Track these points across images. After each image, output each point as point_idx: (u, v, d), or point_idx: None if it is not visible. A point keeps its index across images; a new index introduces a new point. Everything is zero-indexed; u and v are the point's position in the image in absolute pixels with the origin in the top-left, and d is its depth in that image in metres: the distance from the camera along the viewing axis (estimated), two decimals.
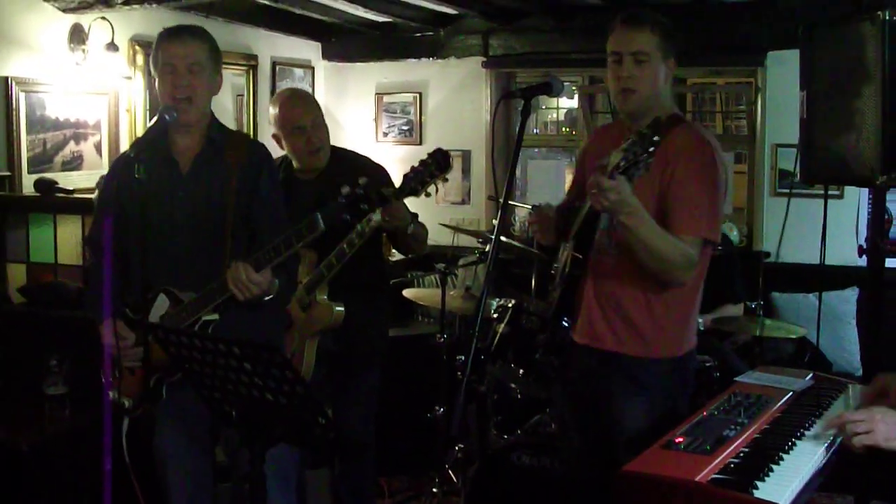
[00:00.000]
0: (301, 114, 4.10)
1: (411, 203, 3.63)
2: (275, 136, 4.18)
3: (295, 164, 4.17)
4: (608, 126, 3.70)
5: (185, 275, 3.30)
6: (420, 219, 4.12)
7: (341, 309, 3.93)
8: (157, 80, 3.32)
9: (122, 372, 3.26)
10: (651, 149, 2.72)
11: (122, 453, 3.25)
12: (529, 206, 6.41)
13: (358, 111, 7.74)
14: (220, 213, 3.28)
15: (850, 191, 5.97)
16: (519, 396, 4.68)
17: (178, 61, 3.24)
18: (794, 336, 5.11)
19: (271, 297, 3.22)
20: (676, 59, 3.26)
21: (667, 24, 3.23)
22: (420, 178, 3.13)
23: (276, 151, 4.30)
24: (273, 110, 4.17)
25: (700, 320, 4.93)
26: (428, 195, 3.22)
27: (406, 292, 5.57)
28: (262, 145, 3.53)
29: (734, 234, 6.46)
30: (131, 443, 3.31)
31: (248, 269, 3.09)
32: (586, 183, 3.01)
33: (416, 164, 3.15)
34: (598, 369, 3.30)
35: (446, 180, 3.19)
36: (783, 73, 6.35)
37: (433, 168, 3.11)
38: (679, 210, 3.08)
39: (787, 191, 5.49)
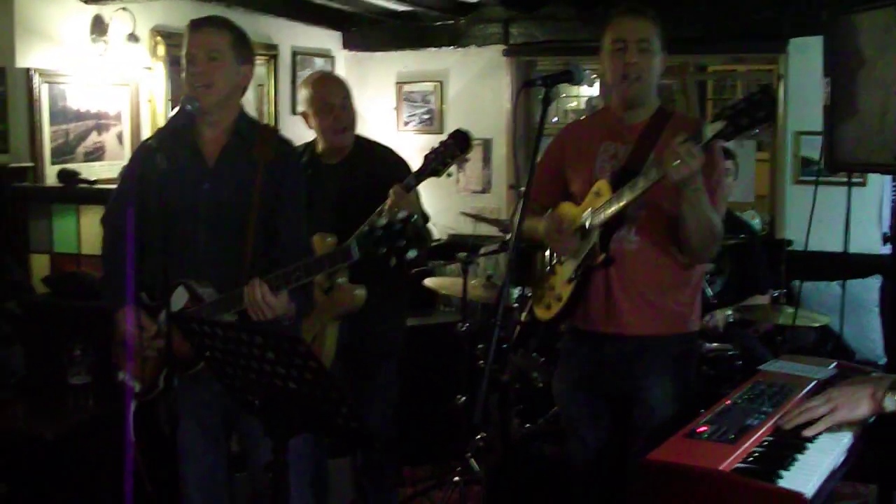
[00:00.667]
0: (332, 92, 4.15)
1: (433, 189, 3.63)
2: (303, 114, 4.20)
3: (320, 145, 4.19)
4: (589, 118, 3.76)
5: (205, 267, 3.30)
6: (441, 207, 4.12)
7: (363, 291, 3.93)
8: (182, 74, 3.33)
9: (136, 356, 3.26)
10: (762, 115, 2.80)
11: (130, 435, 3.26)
12: None
13: (379, 100, 7.74)
14: (244, 208, 3.27)
15: (874, 178, 5.93)
16: (541, 385, 4.67)
17: (198, 50, 3.25)
18: (817, 324, 5.08)
19: (288, 323, 3.23)
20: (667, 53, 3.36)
21: (660, 20, 3.32)
22: (441, 159, 3.13)
23: (305, 135, 4.33)
24: (304, 90, 4.21)
25: (729, 312, 4.93)
26: (449, 175, 3.22)
27: (427, 281, 5.57)
28: (290, 143, 3.52)
29: (756, 222, 6.43)
30: (140, 426, 3.32)
31: (264, 290, 3.08)
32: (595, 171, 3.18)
33: (436, 146, 3.16)
34: (626, 356, 3.34)
35: (467, 160, 3.19)
36: (805, 60, 6.32)
37: (454, 148, 3.11)
38: (706, 189, 3.12)
39: (813, 178, 5.46)
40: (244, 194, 3.28)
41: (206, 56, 3.24)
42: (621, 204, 3.14)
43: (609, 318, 3.34)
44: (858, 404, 2.50)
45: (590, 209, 3.27)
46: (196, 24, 3.31)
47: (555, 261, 3.48)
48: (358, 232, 3.10)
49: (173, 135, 3.14)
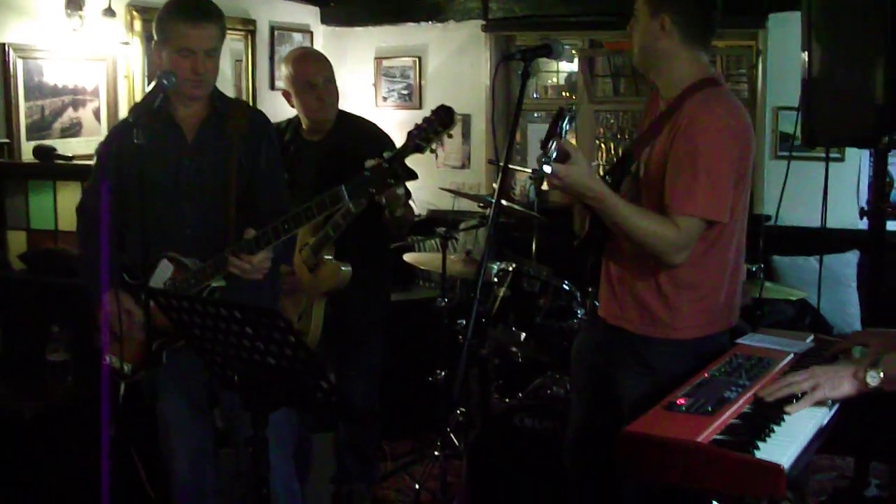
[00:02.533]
0: (314, 70, 4.14)
1: (413, 164, 3.63)
2: (284, 93, 4.19)
3: (304, 122, 4.18)
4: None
5: (188, 242, 3.32)
6: (420, 183, 4.11)
7: (348, 268, 3.94)
8: (164, 53, 3.28)
9: (123, 339, 3.27)
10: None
11: (118, 419, 3.26)
12: (529, 171, 6.43)
13: (357, 76, 7.71)
14: (224, 181, 3.30)
15: (852, 153, 5.96)
16: (520, 360, 4.69)
17: (198, 47, 3.23)
18: (794, 299, 5.11)
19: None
20: (679, 16, 3.10)
21: None
22: (424, 135, 3.12)
23: (284, 110, 4.31)
24: (285, 68, 4.19)
25: None
26: (432, 151, 3.21)
27: (407, 256, 5.57)
28: (262, 113, 3.55)
29: None
30: (128, 408, 3.32)
31: (241, 261, 3.14)
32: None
33: (419, 122, 3.15)
34: (608, 343, 3.30)
35: (451, 136, 3.18)
36: (784, 35, 6.33)
37: (437, 124, 3.11)
38: (671, 187, 2.98)
39: (788, 154, 5.46)
40: (223, 167, 3.30)
41: (205, 53, 3.25)
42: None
43: (601, 302, 3.37)
44: (841, 383, 2.51)
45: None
46: (191, 17, 3.23)
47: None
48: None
49: (151, 112, 3.12)
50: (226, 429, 3.60)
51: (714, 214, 2.97)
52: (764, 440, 2.33)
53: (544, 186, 2.82)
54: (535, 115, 7.96)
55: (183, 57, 3.23)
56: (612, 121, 8.84)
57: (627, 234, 2.97)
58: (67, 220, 4.75)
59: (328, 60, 4.25)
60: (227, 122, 3.35)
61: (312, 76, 4.10)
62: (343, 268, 3.94)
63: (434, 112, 3.14)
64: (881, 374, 2.46)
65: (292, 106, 4.17)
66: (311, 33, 7.61)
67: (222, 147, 3.32)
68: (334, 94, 4.17)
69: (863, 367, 2.51)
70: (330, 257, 3.93)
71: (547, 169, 2.72)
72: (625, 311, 3.23)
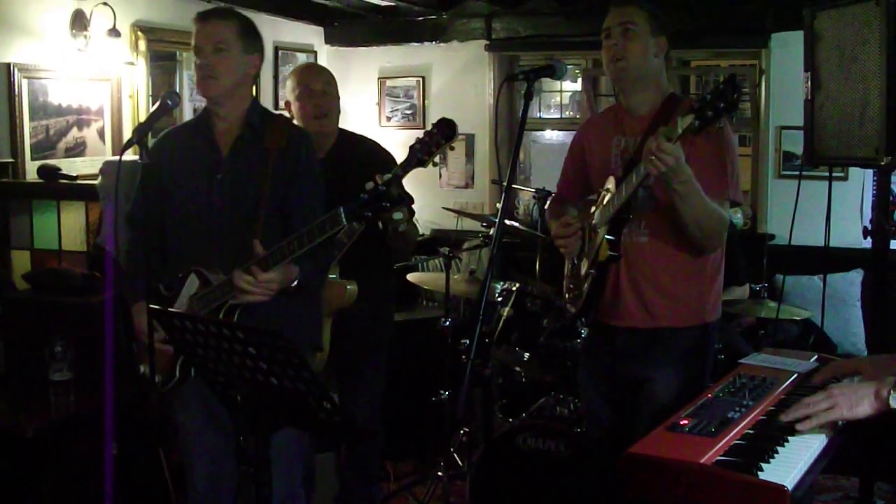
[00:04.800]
0: (314, 77, 4.18)
1: (416, 184, 3.63)
2: (286, 104, 4.21)
3: None
4: (604, 113, 3.76)
5: (219, 256, 3.31)
6: (424, 202, 4.12)
7: (354, 286, 3.93)
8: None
9: (153, 351, 3.26)
10: (731, 103, 2.76)
11: (152, 430, 3.25)
12: (533, 190, 6.44)
13: (361, 96, 7.73)
14: (256, 197, 3.30)
15: (855, 172, 5.95)
16: (523, 380, 4.69)
17: (205, 42, 3.29)
18: (798, 318, 5.11)
19: (295, 284, 3.23)
20: (669, 39, 3.36)
21: (655, 6, 3.34)
22: (426, 148, 3.13)
23: None
24: (290, 81, 4.23)
25: None
26: (435, 164, 3.22)
27: (410, 276, 5.57)
28: (302, 130, 3.57)
29: (738, 217, 6.45)
30: (160, 420, 3.32)
31: (247, 278, 3.10)
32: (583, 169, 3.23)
33: (420, 136, 3.16)
34: (636, 348, 3.39)
35: (453, 148, 3.19)
36: (787, 54, 6.35)
37: (439, 137, 3.11)
38: (709, 175, 3.15)
39: (795, 173, 5.47)
40: (257, 183, 3.30)
41: (213, 48, 3.29)
42: (622, 199, 3.16)
43: (617, 311, 3.40)
44: (860, 402, 2.49)
45: (600, 208, 3.30)
46: (203, 17, 3.35)
47: (576, 258, 3.50)
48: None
49: (191, 126, 3.15)
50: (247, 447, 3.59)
51: (737, 196, 3.34)
52: (768, 461, 2.32)
53: (660, 166, 2.89)
54: (539, 134, 7.96)
55: (195, 55, 3.31)
56: None
57: (696, 217, 3.12)
58: (71, 239, 4.76)
59: (331, 74, 4.27)
60: (265, 138, 3.36)
61: (311, 82, 4.12)
62: (349, 286, 3.93)
63: (435, 125, 3.15)
64: None
65: (292, 116, 4.18)
66: (315, 53, 7.63)
67: (257, 163, 3.32)
68: (334, 107, 4.17)
69: (887, 387, 2.48)
70: (335, 276, 3.93)
71: (674, 147, 2.86)
72: (652, 312, 3.36)
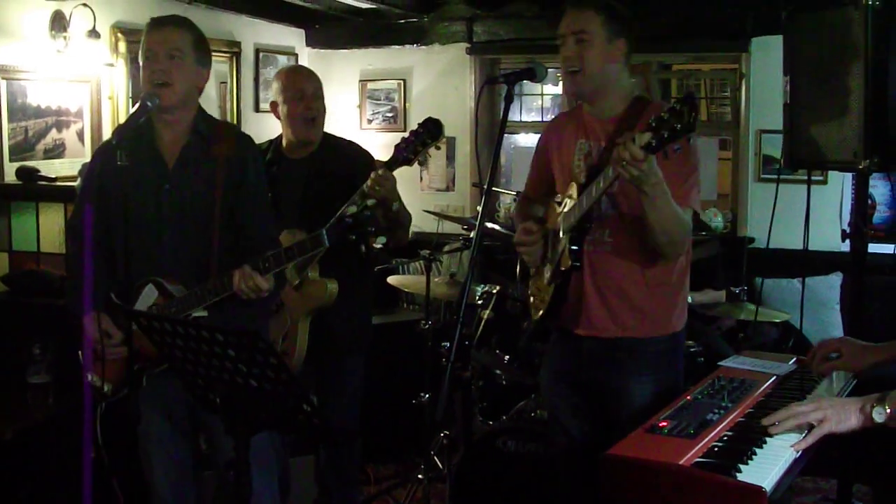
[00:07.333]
0: (304, 81, 4.17)
1: (398, 185, 3.63)
2: (272, 104, 4.20)
3: (286, 138, 4.17)
4: (569, 113, 3.65)
5: (171, 266, 3.31)
6: (404, 204, 4.11)
7: (335, 285, 3.91)
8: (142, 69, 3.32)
9: (104, 359, 3.25)
10: (687, 123, 2.67)
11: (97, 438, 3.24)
12: (514, 193, 6.44)
13: (342, 98, 7.71)
14: (208, 206, 3.28)
15: (834, 176, 5.98)
16: (504, 382, 4.68)
17: (158, 47, 3.26)
18: (777, 321, 5.13)
19: (265, 295, 3.25)
20: (630, 41, 3.26)
21: (615, 7, 3.23)
22: (412, 148, 3.12)
23: (269, 132, 4.30)
24: (276, 82, 4.22)
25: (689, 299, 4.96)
26: (421, 163, 3.22)
27: (391, 279, 5.57)
28: (249, 137, 3.53)
29: (718, 220, 6.48)
30: (107, 428, 3.30)
31: (255, 277, 3.14)
32: (562, 166, 3.14)
33: (406, 135, 3.15)
34: (603, 357, 3.33)
35: (439, 147, 3.18)
36: (767, 58, 6.37)
37: (425, 136, 3.11)
38: (672, 184, 3.05)
39: (774, 177, 5.49)
40: (207, 192, 3.28)
41: (167, 54, 3.25)
42: (584, 208, 3.12)
43: (583, 320, 3.35)
44: (848, 417, 2.51)
45: (562, 215, 3.25)
46: (158, 22, 3.32)
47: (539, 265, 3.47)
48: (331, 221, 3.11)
49: (133, 135, 3.12)
50: (209, 452, 3.58)
51: (698, 207, 3.24)
52: (746, 463, 2.33)
53: (632, 171, 2.81)
54: (520, 137, 7.97)
55: (146, 60, 3.27)
56: None
57: (663, 223, 3.04)
58: (50, 241, 4.74)
59: (319, 78, 4.27)
60: (211, 145, 3.33)
61: (303, 85, 4.12)
62: (329, 284, 3.91)
63: (422, 124, 3.14)
64: (888, 411, 2.45)
65: (278, 117, 4.16)
66: (297, 55, 7.62)
67: (205, 171, 3.30)
68: (322, 110, 4.17)
69: (870, 403, 2.50)
70: (315, 275, 3.92)
71: (645, 153, 2.76)
72: (619, 321, 3.30)
